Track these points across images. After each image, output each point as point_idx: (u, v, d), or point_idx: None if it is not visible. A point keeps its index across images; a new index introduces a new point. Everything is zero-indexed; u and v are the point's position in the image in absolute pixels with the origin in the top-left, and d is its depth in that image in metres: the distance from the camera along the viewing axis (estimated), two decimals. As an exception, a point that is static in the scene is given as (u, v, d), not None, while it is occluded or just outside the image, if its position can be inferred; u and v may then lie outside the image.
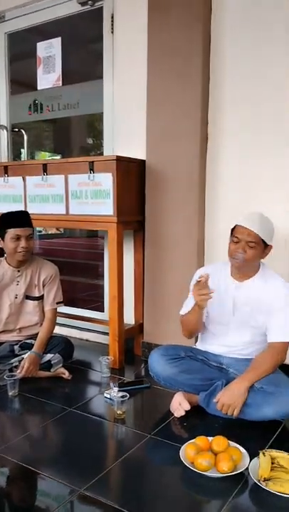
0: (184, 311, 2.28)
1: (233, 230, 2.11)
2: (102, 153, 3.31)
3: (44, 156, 4.97)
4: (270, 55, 2.47)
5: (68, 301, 3.43)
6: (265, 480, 1.55)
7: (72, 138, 4.78)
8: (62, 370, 2.57)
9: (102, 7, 3.11)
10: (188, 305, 2.24)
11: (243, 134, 2.59)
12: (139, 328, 3.01)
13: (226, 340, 2.25)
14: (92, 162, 2.67)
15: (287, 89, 2.44)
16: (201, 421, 2.09)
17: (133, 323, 3.07)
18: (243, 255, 2.05)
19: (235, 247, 2.07)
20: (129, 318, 3.05)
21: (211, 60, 2.64)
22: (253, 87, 2.54)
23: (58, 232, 5.57)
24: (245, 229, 2.05)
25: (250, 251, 2.05)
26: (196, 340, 2.50)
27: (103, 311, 3.31)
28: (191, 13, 2.58)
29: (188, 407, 2.10)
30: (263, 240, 2.05)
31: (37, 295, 2.67)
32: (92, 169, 2.67)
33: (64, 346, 2.65)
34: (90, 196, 2.72)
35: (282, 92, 2.45)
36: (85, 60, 3.61)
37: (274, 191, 2.53)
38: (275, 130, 2.49)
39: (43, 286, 2.66)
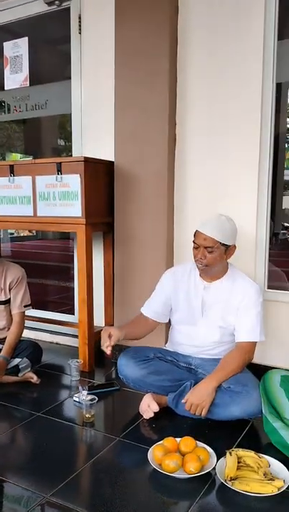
0: (144, 310, 2.31)
1: (194, 235, 2.14)
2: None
3: (15, 158, 4.91)
4: (236, 55, 2.49)
5: (39, 304, 3.39)
6: (231, 479, 1.56)
7: (44, 139, 4.74)
8: (31, 374, 2.53)
9: (69, 7, 3.09)
10: (150, 304, 2.30)
11: (211, 134, 2.61)
12: (109, 330, 2.99)
13: (194, 341, 2.26)
14: (60, 163, 2.64)
15: (254, 89, 2.46)
16: (170, 422, 2.09)
17: (103, 325, 3.04)
18: (204, 260, 2.08)
19: (196, 253, 2.12)
20: (100, 321, 3.03)
21: (178, 61, 2.65)
22: (220, 88, 2.56)
23: (31, 234, 5.52)
24: (202, 234, 2.08)
25: (209, 256, 2.08)
26: (166, 341, 2.51)
27: (74, 314, 3.28)
28: (158, 14, 2.58)
29: (156, 408, 2.09)
30: (222, 242, 2.07)
31: (3, 299, 2.61)
32: (59, 170, 2.64)
33: (32, 350, 2.61)
34: (57, 198, 2.68)
35: (248, 91, 2.48)
36: (53, 61, 3.58)
37: (240, 192, 2.55)
38: (242, 130, 2.52)
39: (10, 290, 2.61)
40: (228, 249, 2.12)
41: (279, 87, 2.59)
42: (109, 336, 2.13)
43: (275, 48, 2.43)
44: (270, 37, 2.42)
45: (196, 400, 1.99)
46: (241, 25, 2.46)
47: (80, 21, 3.03)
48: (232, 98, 2.53)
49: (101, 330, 2.90)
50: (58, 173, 2.65)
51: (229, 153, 2.57)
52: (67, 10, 3.10)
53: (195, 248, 2.13)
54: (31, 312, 3.44)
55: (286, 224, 6.54)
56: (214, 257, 2.09)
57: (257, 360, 2.30)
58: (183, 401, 2.03)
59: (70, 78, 3.13)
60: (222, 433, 1.98)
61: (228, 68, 2.52)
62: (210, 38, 2.56)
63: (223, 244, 2.09)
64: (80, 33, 3.04)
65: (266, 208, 2.54)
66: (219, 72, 2.55)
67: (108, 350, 2.11)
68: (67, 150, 4.38)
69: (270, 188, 2.56)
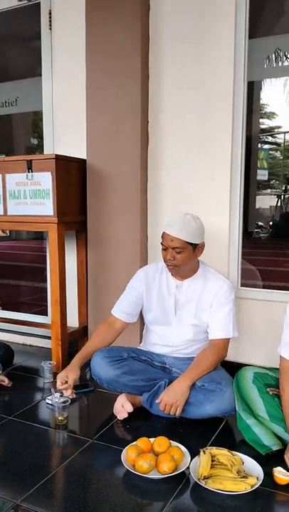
0: (114, 310, 2.31)
1: (161, 236, 2.13)
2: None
3: (-15, 156, 4.80)
4: (207, 51, 2.48)
5: (11, 306, 3.33)
6: (205, 478, 1.55)
7: (16, 137, 4.65)
8: (2, 377, 2.46)
9: (39, 3, 3.03)
10: (120, 306, 2.30)
11: (184, 133, 2.60)
12: (83, 330, 2.95)
13: (168, 340, 2.25)
14: (31, 161, 2.59)
15: (226, 88, 2.47)
16: (144, 422, 2.07)
17: (77, 325, 3.00)
18: (173, 261, 2.08)
19: (164, 254, 2.12)
20: (73, 321, 2.99)
21: (150, 59, 2.64)
22: (192, 87, 2.55)
23: (4, 234, 5.42)
24: (168, 236, 2.08)
25: (178, 256, 2.08)
26: (140, 341, 2.49)
27: (47, 315, 3.22)
28: (129, 12, 2.56)
29: (130, 408, 2.07)
30: (189, 242, 2.07)
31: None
32: (30, 168, 2.59)
33: (3, 352, 2.56)
34: (28, 196, 2.63)
35: (220, 90, 2.48)
36: (23, 57, 3.52)
37: (213, 191, 2.56)
38: (214, 130, 2.52)
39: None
40: (196, 248, 2.11)
41: (251, 86, 2.61)
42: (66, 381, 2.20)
43: (246, 46, 2.45)
44: (241, 35, 2.43)
45: (170, 399, 1.97)
46: (212, 24, 2.46)
47: (50, 17, 2.98)
48: (204, 97, 2.53)
49: (74, 330, 2.90)
50: (29, 171, 2.59)
51: (202, 152, 2.57)
52: (38, 5, 3.05)
53: (164, 250, 2.12)
54: (3, 314, 3.38)
55: (260, 223, 6.65)
56: (183, 257, 2.08)
57: (230, 357, 2.31)
58: (157, 401, 2.02)
59: (41, 75, 3.08)
60: (196, 432, 1.98)
61: (200, 67, 2.52)
62: (181, 37, 2.55)
63: (191, 244, 2.08)
64: (50, 29, 2.99)
65: (239, 207, 2.56)
66: (191, 71, 2.54)
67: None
68: (41, 148, 4.32)
69: (243, 187, 2.57)
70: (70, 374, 2.20)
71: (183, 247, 2.06)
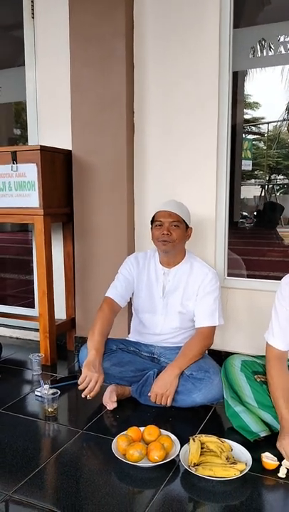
0: (111, 292, 2.26)
1: (153, 218, 2.20)
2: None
3: None
4: (192, 40, 2.47)
5: (-3, 299, 3.30)
6: (194, 465, 1.57)
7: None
8: (-10, 370, 2.46)
9: (21, -9, 2.98)
10: (116, 287, 2.27)
11: (169, 122, 2.60)
12: (71, 322, 2.95)
13: (156, 329, 2.26)
14: (15, 152, 2.56)
15: (211, 76, 2.46)
16: (134, 412, 2.09)
17: (65, 317, 3.00)
18: (170, 236, 2.12)
19: (160, 231, 2.14)
20: (61, 313, 2.98)
21: (134, 47, 2.61)
22: (177, 75, 2.54)
23: (-11, 227, 5.34)
24: (166, 212, 2.16)
25: (174, 231, 2.13)
26: (128, 332, 2.50)
27: (34, 307, 3.21)
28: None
29: (114, 398, 2.09)
30: (183, 220, 2.16)
31: None
32: (14, 160, 2.55)
33: (-9, 346, 2.54)
34: (13, 188, 2.60)
35: (206, 78, 2.47)
36: (6, 46, 3.45)
37: (199, 181, 2.56)
38: (200, 118, 2.52)
39: None
40: (187, 229, 2.20)
41: (235, 76, 2.61)
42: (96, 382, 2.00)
43: (231, 36, 2.44)
44: (226, 24, 2.42)
45: (160, 389, 2.00)
46: (197, 13, 2.44)
47: (32, 6, 2.92)
48: (190, 87, 2.52)
49: (62, 322, 2.89)
50: (13, 163, 2.56)
51: (188, 142, 2.56)
52: (19, -6, 2.99)
53: (158, 226, 2.16)
54: (-11, 307, 3.35)
55: (244, 213, 6.68)
56: (178, 234, 2.14)
57: (218, 346, 2.34)
58: (149, 394, 2.04)
59: (23, 64, 3.03)
60: (185, 420, 2.00)
61: (185, 56, 2.51)
62: (166, 26, 2.53)
63: (185, 222, 2.18)
64: (33, 18, 2.94)
65: (225, 197, 2.57)
66: (176, 60, 2.53)
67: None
68: (24, 139, 4.26)
69: (229, 176, 2.58)
70: (100, 378, 2.01)
71: (179, 221, 2.15)
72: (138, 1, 2.58)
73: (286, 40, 2.44)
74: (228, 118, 2.51)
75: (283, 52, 2.45)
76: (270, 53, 2.50)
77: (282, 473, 1.58)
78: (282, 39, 2.44)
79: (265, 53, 2.51)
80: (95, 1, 2.57)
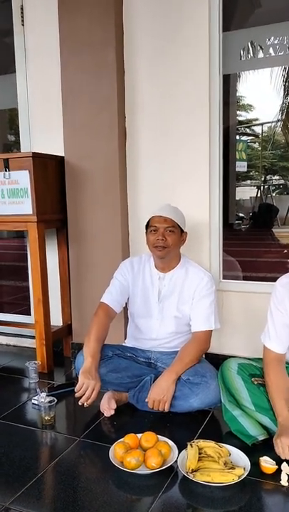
0: (106, 298, 2.24)
1: (148, 223, 2.19)
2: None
3: None
4: (182, 44, 2.47)
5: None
6: (192, 471, 1.56)
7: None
8: (-14, 379, 2.44)
9: (10, -2, 2.98)
10: (111, 293, 2.25)
11: (161, 127, 2.59)
12: (67, 329, 2.93)
13: (152, 334, 2.25)
14: (7, 159, 2.55)
15: (202, 79, 2.46)
16: (132, 418, 2.08)
17: (61, 324, 2.98)
18: (165, 242, 2.11)
19: (155, 236, 2.13)
20: (57, 320, 2.97)
21: (124, 52, 2.61)
22: (168, 78, 2.54)
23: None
24: (161, 217, 2.14)
25: (170, 236, 2.12)
26: (125, 337, 2.48)
27: (30, 315, 3.19)
28: (103, 5, 2.53)
29: (114, 406, 2.07)
30: (178, 225, 2.14)
31: None
32: (7, 167, 2.55)
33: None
34: (6, 195, 2.59)
35: (196, 81, 2.47)
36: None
37: (192, 184, 2.56)
38: (191, 122, 2.52)
39: None
40: (182, 235, 2.19)
41: (227, 79, 2.61)
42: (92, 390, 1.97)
43: (221, 39, 2.44)
44: (215, 28, 2.43)
45: (157, 395, 1.99)
46: (187, 17, 2.45)
47: (22, 13, 2.92)
48: (181, 90, 2.52)
49: (58, 329, 2.87)
50: (6, 170, 2.56)
51: (180, 145, 2.56)
52: (9, 1, 2.99)
53: (153, 232, 2.14)
54: (-15, 315, 3.33)
55: (240, 214, 6.68)
56: (173, 239, 2.13)
57: (214, 350, 2.33)
58: (146, 400, 2.03)
59: (15, 72, 3.03)
60: (183, 425, 1.99)
61: (175, 60, 2.51)
62: (156, 31, 2.53)
63: (180, 227, 2.16)
64: (22, 25, 2.94)
65: (218, 199, 2.56)
66: (166, 64, 2.53)
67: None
68: (19, 145, 4.25)
69: (222, 178, 2.58)
70: (97, 385, 1.98)
71: (174, 226, 2.14)
72: (127, 7, 2.58)
73: (274, 42, 2.44)
74: (220, 121, 2.51)
75: (273, 54, 2.46)
76: (260, 55, 2.51)
77: (284, 481, 1.56)
78: (271, 41, 2.45)
79: (255, 56, 2.52)
80: (85, 8, 2.57)
